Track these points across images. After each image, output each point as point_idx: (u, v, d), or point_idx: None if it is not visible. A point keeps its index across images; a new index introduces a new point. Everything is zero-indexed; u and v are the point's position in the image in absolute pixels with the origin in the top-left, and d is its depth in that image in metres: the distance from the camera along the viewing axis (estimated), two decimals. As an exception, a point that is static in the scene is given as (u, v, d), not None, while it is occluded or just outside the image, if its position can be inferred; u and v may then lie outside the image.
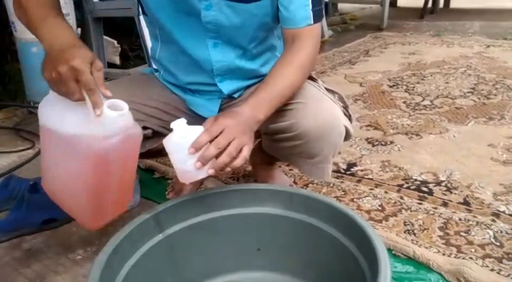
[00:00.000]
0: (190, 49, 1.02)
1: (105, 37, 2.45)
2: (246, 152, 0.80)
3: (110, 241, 0.71)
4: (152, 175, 1.48)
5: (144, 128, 1.03)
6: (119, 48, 2.63)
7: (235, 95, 1.10)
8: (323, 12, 1.00)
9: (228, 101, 1.11)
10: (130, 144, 0.77)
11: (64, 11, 0.97)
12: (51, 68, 0.73)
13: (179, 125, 0.78)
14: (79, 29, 2.26)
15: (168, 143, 0.79)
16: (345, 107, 1.06)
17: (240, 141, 0.79)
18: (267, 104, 0.89)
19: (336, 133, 0.97)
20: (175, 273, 0.85)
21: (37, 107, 2.01)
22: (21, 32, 1.95)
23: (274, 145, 1.06)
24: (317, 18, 0.97)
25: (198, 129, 0.78)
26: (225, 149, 0.77)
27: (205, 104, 1.10)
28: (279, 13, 0.98)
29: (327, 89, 1.07)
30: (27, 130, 1.88)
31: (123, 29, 2.69)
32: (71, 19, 2.10)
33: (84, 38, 2.35)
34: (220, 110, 1.10)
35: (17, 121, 2.02)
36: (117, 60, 2.62)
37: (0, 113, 2.11)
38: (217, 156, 0.77)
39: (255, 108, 0.87)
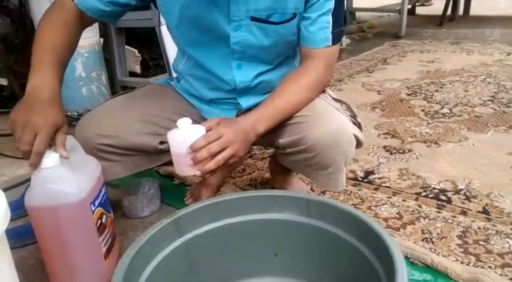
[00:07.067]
0: (215, 70, 1.06)
1: (126, 46, 2.51)
2: (232, 162, 0.89)
3: (132, 244, 0.74)
4: (172, 181, 1.50)
5: (161, 142, 1.07)
6: (140, 57, 2.69)
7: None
8: (343, 33, 1.02)
9: (243, 112, 1.12)
10: None
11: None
12: (23, 114, 0.78)
13: (184, 124, 0.86)
14: (102, 39, 2.32)
15: (171, 137, 0.88)
16: (353, 117, 1.08)
17: (230, 152, 0.86)
18: (270, 119, 0.94)
19: (346, 143, 0.98)
20: (194, 276, 0.86)
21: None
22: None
23: (287, 159, 1.07)
24: (336, 41, 0.99)
25: (199, 130, 0.86)
26: (217, 154, 0.85)
27: (220, 114, 1.11)
28: (299, 32, 1.01)
29: (335, 99, 1.09)
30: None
31: (144, 39, 2.75)
32: (94, 29, 2.17)
33: (107, 47, 2.42)
34: None
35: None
36: (137, 69, 2.68)
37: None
38: (213, 157, 0.85)
39: (257, 121, 0.92)
